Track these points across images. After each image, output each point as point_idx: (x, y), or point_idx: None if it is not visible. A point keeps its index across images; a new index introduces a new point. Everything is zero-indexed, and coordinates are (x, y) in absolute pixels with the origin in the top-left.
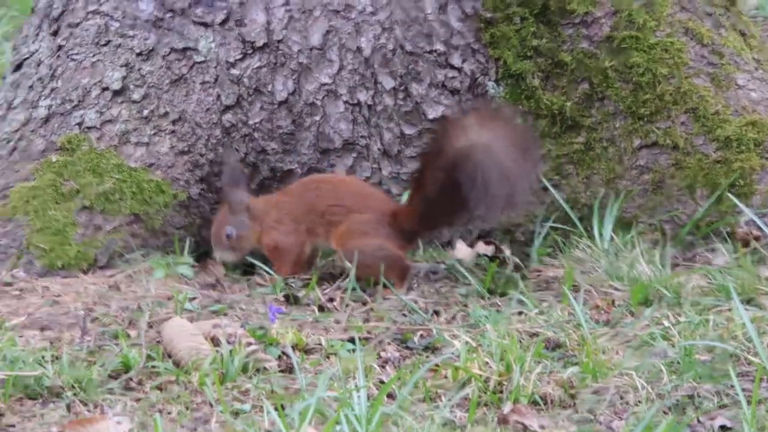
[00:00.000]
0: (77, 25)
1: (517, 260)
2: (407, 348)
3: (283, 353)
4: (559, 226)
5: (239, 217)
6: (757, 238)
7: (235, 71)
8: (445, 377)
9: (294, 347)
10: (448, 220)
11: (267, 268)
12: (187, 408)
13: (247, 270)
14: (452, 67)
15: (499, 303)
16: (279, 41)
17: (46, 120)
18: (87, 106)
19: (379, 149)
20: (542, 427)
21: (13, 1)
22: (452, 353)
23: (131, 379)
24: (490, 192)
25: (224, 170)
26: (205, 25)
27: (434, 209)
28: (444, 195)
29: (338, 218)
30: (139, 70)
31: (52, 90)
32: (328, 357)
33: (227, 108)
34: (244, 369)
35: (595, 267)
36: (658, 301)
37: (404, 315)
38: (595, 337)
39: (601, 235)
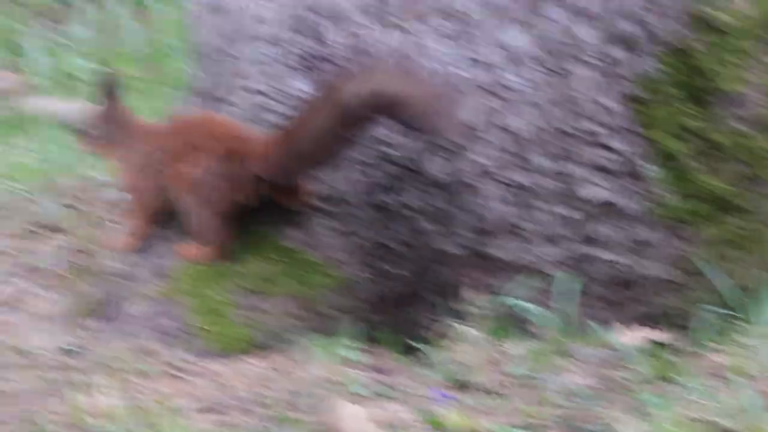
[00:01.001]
0: (232, 102)
1: (681, 345)
2: None
3: None
4: (721, 310)
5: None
6: None
7: (390, 151)
8: None
9: None
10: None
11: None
12: None
13: (411, 351)
14: (607, 147)
15: (665, 388)
16: None
17: None
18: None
19: (536, 231)
20: None
21: (165, 79)
22: None
23: None
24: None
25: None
26: None
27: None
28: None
29: None
30: None
31: None
32: None
33: (384, 189)
34: None
35: (760, 352)
36: None
37: (571, 399)
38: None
39: (764, 319)
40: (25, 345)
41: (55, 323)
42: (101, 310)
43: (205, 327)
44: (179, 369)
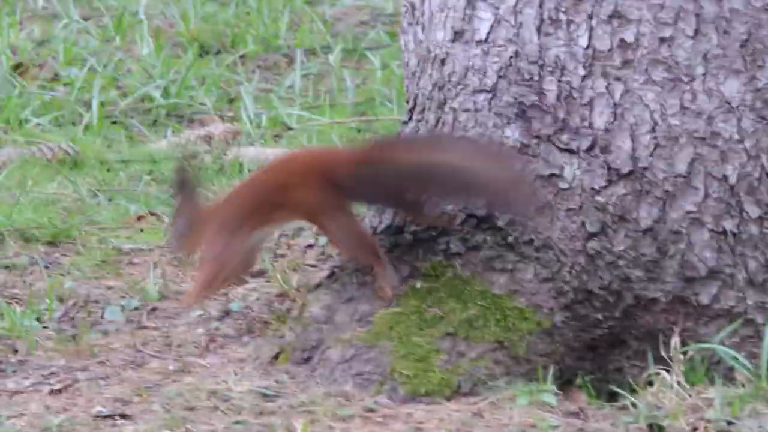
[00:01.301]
0: None
1: None
2: None
3: None
4: None
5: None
6: None
7: (599, 198)
8: None
9: None
10: None
11: None
12: None
13: (611, 396)
14: None
15: None
16: (644, 168)
17: (411, 246)
18: (451, 233)
19: (744, 278)
20: None
21: (379, 128)
22: None
23: None
24: None
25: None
26: (571, 151)
27: None
28: None
29: None
30: None
31: None
32: None
33: (592, 235)
34: None
35: None
36: None
37: None
38: None
39: None
40: (223, 389)
41: (253, 367)
42: (300, 355)
43: (407, 372)
44: (378, 414)
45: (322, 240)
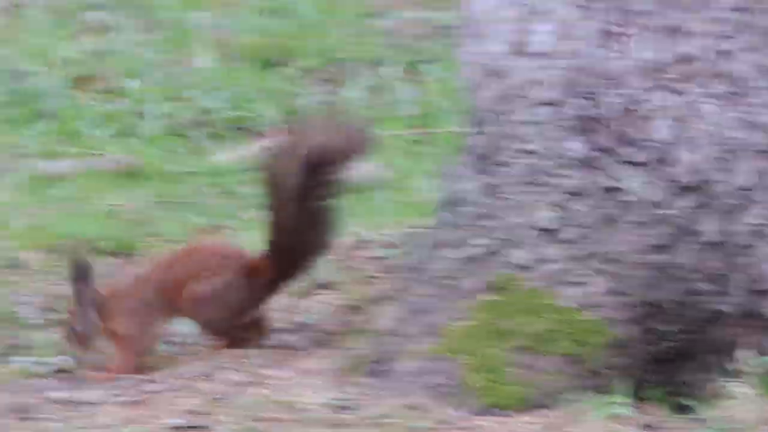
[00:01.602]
0: (506, 164)
1: None
2: None
3: None
4: None
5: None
6: None
7: (666, 211)
8: None
9: None
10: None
11: None
12: None
13: (680, 409)
14: None
15: None
16: (705, 181)
17: (483, 259)
18: (518, 245)
19: None
20: None
21: (436, 140)
22: None
23: None
24: None
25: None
26: (632, 164)
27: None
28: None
29: None
30: (569, 209)
31: (482, 228)
32: None
33: (657, 248)
34: None
35: None
36: None
37: None
38: None
39: None
40: (296, 401)
41: (325, 379)
42: (371, 367)
43: (478, 384)
44: (451, 426)
45: (390, 252)
